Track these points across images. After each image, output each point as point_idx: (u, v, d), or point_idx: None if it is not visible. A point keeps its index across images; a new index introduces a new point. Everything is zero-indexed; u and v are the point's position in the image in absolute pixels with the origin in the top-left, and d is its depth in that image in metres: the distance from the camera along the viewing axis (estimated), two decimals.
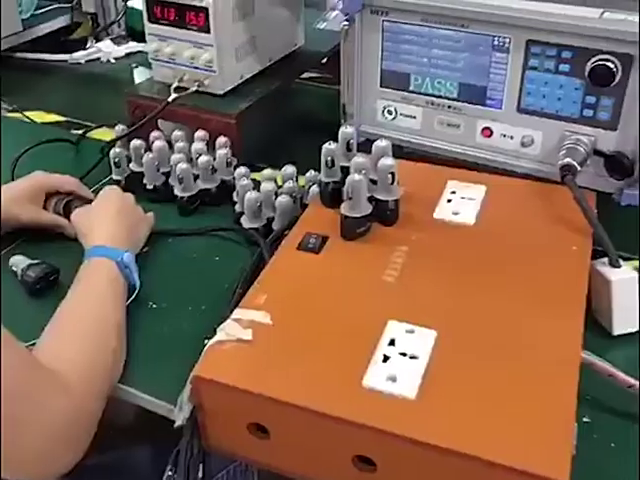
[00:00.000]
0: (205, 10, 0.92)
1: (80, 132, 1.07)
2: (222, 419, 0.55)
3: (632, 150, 0.72)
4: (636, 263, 0.68)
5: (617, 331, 0.66)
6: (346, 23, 0.80)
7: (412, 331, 0.55)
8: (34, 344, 0.61)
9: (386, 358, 0.53)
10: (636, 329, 0.67)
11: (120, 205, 0.78)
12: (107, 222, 0.74)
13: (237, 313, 0.58)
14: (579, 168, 0.72)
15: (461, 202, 0.71)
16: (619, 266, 0.65)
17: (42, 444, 0.54)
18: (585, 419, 0.59)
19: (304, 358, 0.54)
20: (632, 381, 0.59)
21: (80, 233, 0.77)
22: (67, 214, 0.82)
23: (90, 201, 0.82)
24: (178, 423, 0.56)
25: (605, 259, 0.66)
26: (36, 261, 0.76)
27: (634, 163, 0.72)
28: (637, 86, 0.69)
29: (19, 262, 0.76)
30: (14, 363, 0.53)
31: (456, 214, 0.70)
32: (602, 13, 0.71)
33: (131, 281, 0.71)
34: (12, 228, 0.81)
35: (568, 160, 0.72)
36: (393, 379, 0.51)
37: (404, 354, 0.53)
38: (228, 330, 0.56)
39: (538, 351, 0.54)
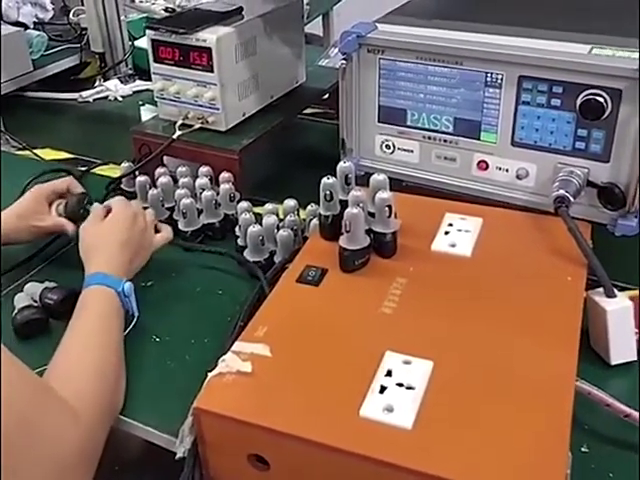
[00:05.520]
0: (208, 50, 0.95)
1: (84, 169, 1.09)
2: (223, 450, 0.56)
3: (625, 181, 0.74)
4: (631, 292, 0.68)
5: (615, 361, 0.67)
6: (344, 62, 0.82)
7: (409, 362, 0.56)
8: (43, 371, 0.62)
9: (383, 389, 0.54)
10: (633, 358, 0.67)
11: (129, 232, 0.77)
12: (111, 249, 0.74)
13: (237, 346, 0.59)
14: (573, 199, 0.73)
15: (458, 234, 0.72)
16: (614, 296, 0.66)
17: (46, 476, 0.53)
18: (583, 449, 0.59)
19: (303, 389, 0.55)
20: (629, 410, 0.60)
21: (83, 251, 0.76)
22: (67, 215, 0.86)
23: (83, 194, 0.87)
24: (179, 455, 0.57)
25: (600, 289, 0.66)
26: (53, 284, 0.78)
27: (627, 194, 0.74)
28: (627, 119, 0.71)
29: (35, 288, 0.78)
30: (26, 389, 0.53)
31: (453, 246, 0.71)
32: (591, 49, 0.73)
33: (130, 310, 0.72)
34: (30, 239, 0.86)
35: (562, 192, 0.73)
36: (390, 409, 0.52)
37: (401, 384, 0.54)
38: (228, 362, 0.57)
39: (533, 381, 0.55)
